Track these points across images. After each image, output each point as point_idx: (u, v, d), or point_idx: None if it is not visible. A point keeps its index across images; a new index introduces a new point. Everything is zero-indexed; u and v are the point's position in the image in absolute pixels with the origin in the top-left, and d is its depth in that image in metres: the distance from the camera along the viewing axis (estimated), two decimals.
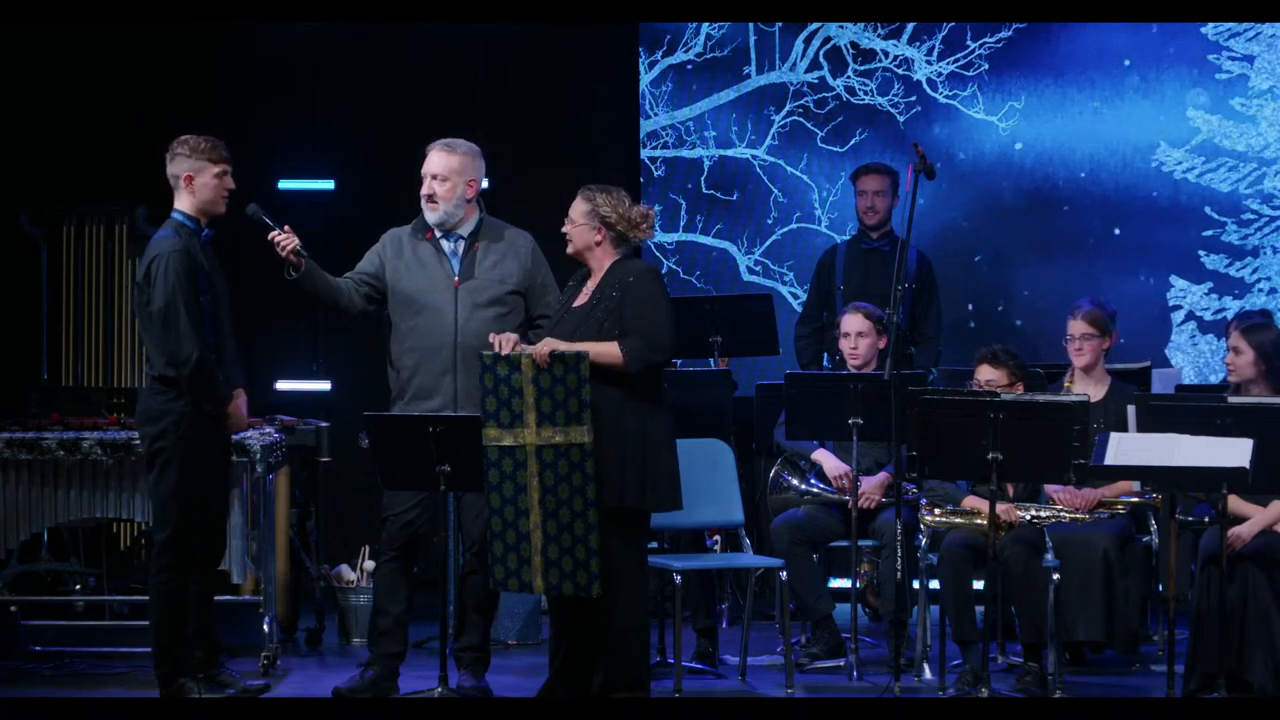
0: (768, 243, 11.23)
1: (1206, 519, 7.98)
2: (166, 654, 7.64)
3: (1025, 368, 8.43)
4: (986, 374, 8.30)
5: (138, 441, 8.20)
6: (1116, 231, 11.02)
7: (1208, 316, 10.94)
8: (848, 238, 10.30)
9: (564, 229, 7.44)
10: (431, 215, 7.87)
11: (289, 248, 7.73)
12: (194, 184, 7.73)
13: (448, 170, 7.86)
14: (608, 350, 7.23)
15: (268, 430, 8.55)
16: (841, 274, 10.01)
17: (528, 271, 7.91)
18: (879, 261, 9.89)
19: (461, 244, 7.91)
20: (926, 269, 9.89)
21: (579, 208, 7.41)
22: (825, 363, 10.00)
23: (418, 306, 7.87)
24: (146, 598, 8.97)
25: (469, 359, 7.69)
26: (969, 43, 11.08)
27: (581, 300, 7.41)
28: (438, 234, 7.90)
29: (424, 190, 7.88)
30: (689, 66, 11.28)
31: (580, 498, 7.15)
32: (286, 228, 7.77)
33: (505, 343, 7.24)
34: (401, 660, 7.92)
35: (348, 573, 9.34)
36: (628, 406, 7.24)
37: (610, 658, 7.28)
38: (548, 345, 7.22)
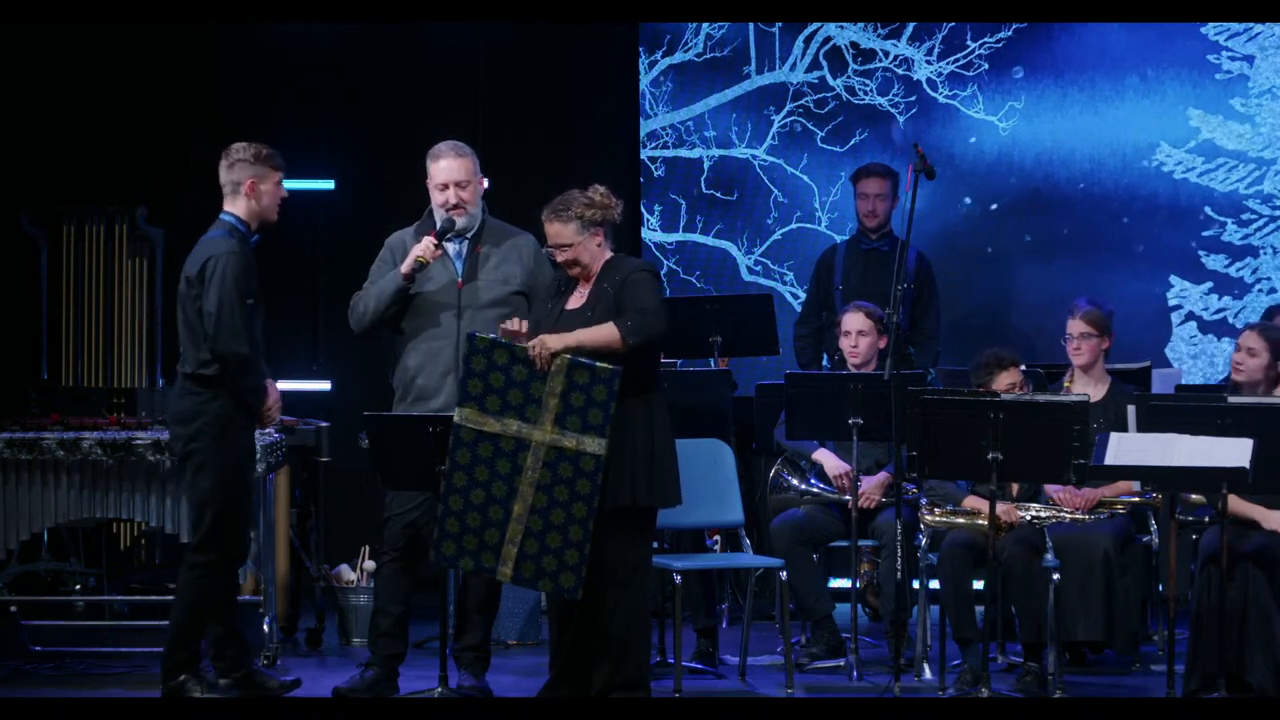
0: (768, 243, 11.23)
1: (1206, 519, 7.97)
2: (179, 648, 7.63)
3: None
4: (1009, 378, 8.27)
5: (139, 441, 8.21)
6: (1116, 232, 11.02)
7: (1208, 316, 10.95)
8: (847, 238, 10.30)
9: (561, 259, 7.34)
10: (462, 221, 7.86)
11: (425, 259, 7.73)
12: (256, 190, 7.73)
13: (467, 174, 7.87)
14: (603, 333, 7.17)
15: (268, 430, 8.55)
16: (840, 274, 10.01)
17: (530, 272, 7.91)
18: (878, 262, 9.89)
19: (465, 245, 7.92)
20: (925, 269, 9.89)
21: (566, 230, 7.31)
22: (825, 363, 10.00)
23: (421, 308, 7.87)
24: (146, 598, 9.00)
25: None
26: (969, 43, 11.08)
27: (578, 303, 7.38)
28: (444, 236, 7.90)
29: (446, 198, 7.84)
30: (689, 67, 11.28)
31: (583, 505, 7.11)
32: (440, 252, 7.80)
33: (523, 334, 7.20)
34: (401, 661, 7.91)
35: (348, 573, 9.34)
36: (633, 404, 7.22)
37: (615, 656, 7.27)
38: (545, 346, 7.18)
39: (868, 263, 9.97)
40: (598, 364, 7.10)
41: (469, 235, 7.92)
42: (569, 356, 7.11)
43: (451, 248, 7.91)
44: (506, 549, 7.18)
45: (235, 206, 7.73)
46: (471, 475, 7.19)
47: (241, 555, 7.83)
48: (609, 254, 7.40)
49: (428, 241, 7.77)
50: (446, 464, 7.21)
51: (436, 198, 7.89)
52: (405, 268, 7.78)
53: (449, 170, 7.87)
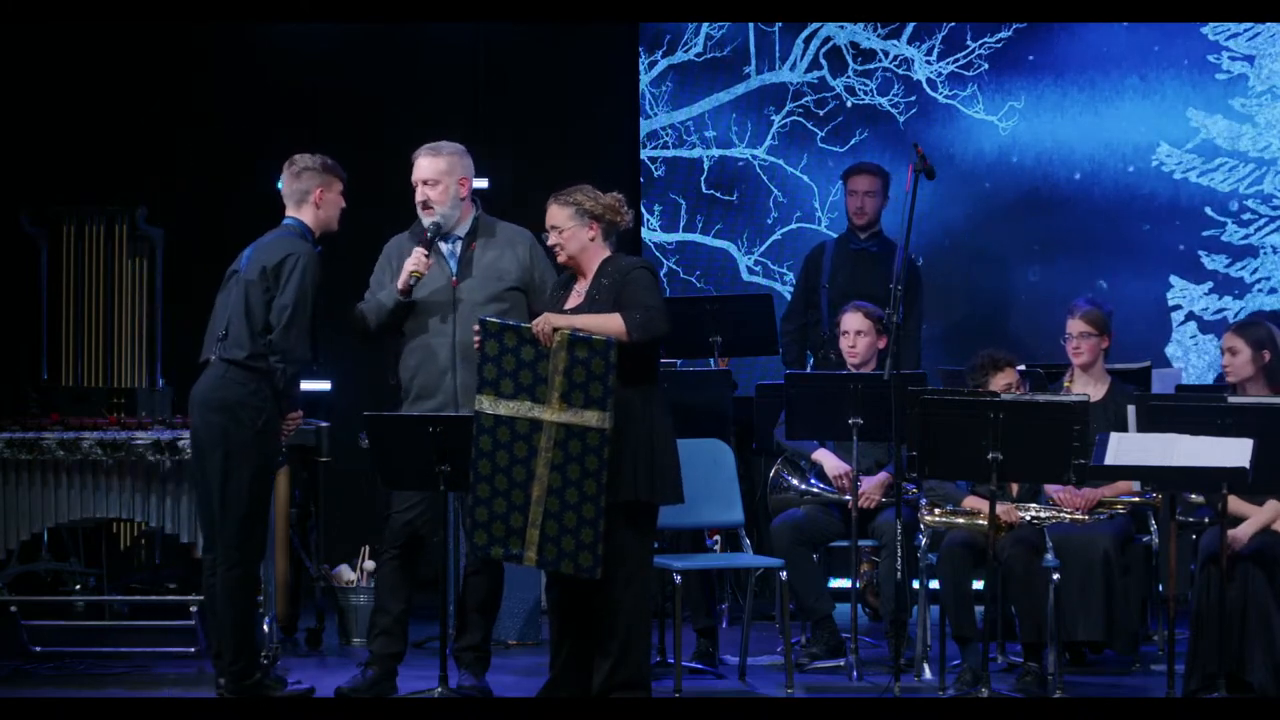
0: (768, 243, 11.23)
1: (1206, 519, 7.98)
2: (241, 652, 7.61)
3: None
4: (1006, 379, 8.29)
5: (138, 441, 8.20)
6: (1116, 231, 11.02)
7: (1208, 316, 10.95)
8: (835, 236, 10.30)
9: (551, 241, 7.41)
10: (429, 220, 7.88)
11: (419, 272, 7.73)
12: (324, 199, 7.75)
13: (437, 173, 7.88)
14: (609, 322, 7.19)
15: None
16: (828, 273, 10.01)
17: (526, 267, 7.91)
18: (867, 262, 9.90)
19: (459, 244, 7.92)
20: (913, 272, 9.86)
21: (561, 214, 7.37)
22: (809, 360, 10.01)
23: (418, 309, 7.88)
24: (146, 598, 8.97)
25: (469, 356, 7.70)
26: (969, 43, 11.08)
27: (575, 301, 7.39)
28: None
29: (418, 197, 7.89)
30: (689, 67, 11.28)
31: (593, 481, 7.14)
32: (431, 260, 7.79)
33: (545, 333, 7.22)
34: (400, 660, 7.91)
35: (347, 573, 9.34)
36: (633, 399, 7.23)
37: (615, 656, 7.27)
38: (548, 321, 7.21)
39: (855, 263, 9.97)
40: (594, 336, 7.14)
41: (461, 234, 7.92)
42: (568, 332, 7.14)
43: (445, 246, 7.92)
44: (530, 533, 7.21)
45: (302, 214, 7.76)
46: (494, 461, 7.23)
47: (263, 552, 7.84)
48: (606, 253, 7.41)
49: (418, 253, 7.77)
50: (472, 452, 7.25)
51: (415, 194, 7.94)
52: (401, 283, 7.79)
53: (420, 168, 7.91)
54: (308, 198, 7.74)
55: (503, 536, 7.25)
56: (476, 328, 7.33)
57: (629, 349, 7.18)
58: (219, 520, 7.60)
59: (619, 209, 7.41)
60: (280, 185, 7.88)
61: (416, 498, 7.83)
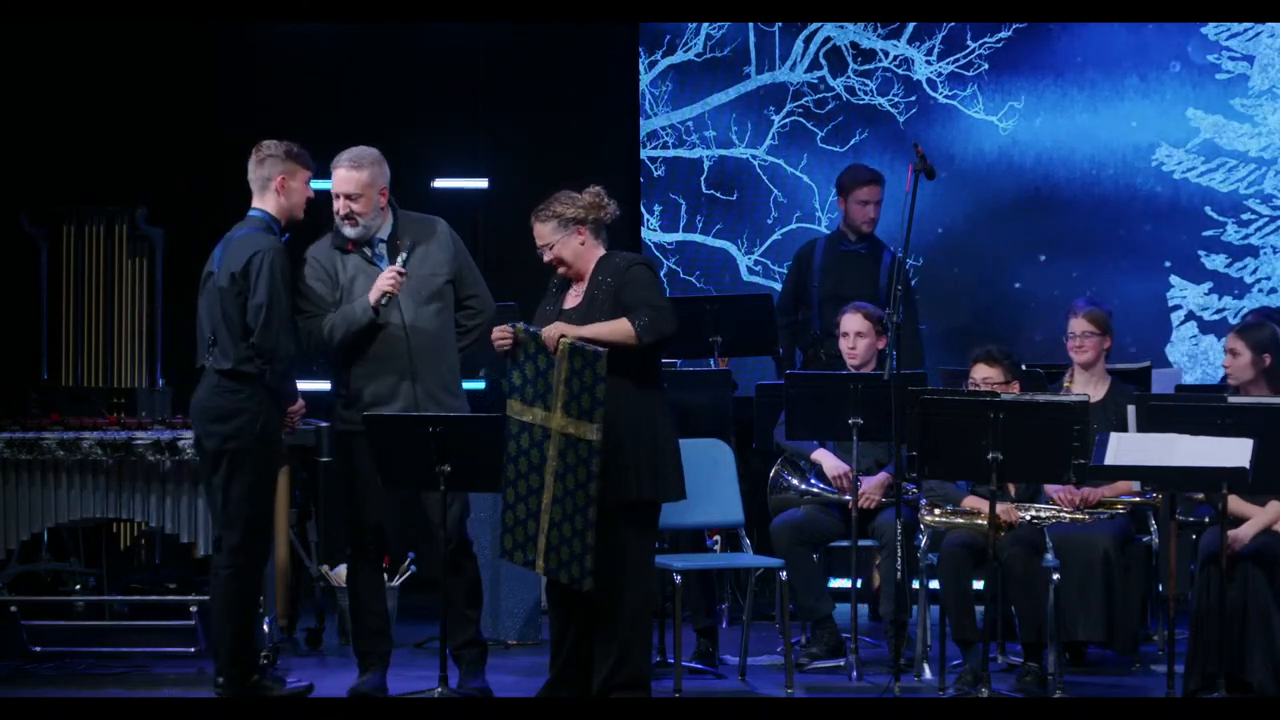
0: (768, 243, 11.23)
1: (1206, 519, 7.98)
2: (239, 655, 7.62)
3: (1018, 366, 8.46)
4: (983, 372, 8.31)
5: (138, 441, 8.20)
6: (1116, 231, 11.02)
7: (1208, 316, 10.95)
8: (827, 235, 10.29)
9: (546, 258, 7.37)
10: (352, 231, 7.79)
11: (393, 292, 7.70)
12: (286, 187, 7.69)
13: (359, 187, 7.78)
14: (618, 327, 7.18)
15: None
16: (818, 274, 10.00)
17: (452, 256, 7.87)
18: (855, 263, 9.91)
19: (383, 247, 7.87)
20: (900, 273, 9.83)
21: (545, 229, 7.34)
22: (798, 358, 10.00)
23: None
24: (146, 598, 8.95)
25: (424, 362, 7.72)
26: (969, 43, 11.08)
27: (574, 302, 7.38)
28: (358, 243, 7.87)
29: (339, 210, 7.78)
30: (689, 67, 11.28)
31: (582, 493, 7.14)
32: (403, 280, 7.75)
33: (551, 340, 7.22)
34: (390, 658, 7.94)
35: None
36: (634, 399, 7.23)
37: (615, 656, 7.27)
38: (557, 330, 7.21)
39: (845, 264, 9.96)
40: (588, 347, 7.12)
41: (384, 237, 7.86)
42: (569, 341, 7.14)
43: (371, 252, 7.85)
44: (541, 540, 7.24)
45: (265, 203, 7.71)
46: (518, 467, 7.29)
47: (267, 554, 7.84)
48: (600, 251, 7.40)
49: (393, 273, 7.69)
50: (504, 456, 7.31)
51: (334, 204, 7.88)
52: (373, 299, 7.72)
53: (339, 182, 7.80)
54: (269, 185, 7.69)
55: (522, 542, 7.31)
56: (509, 330, 7.35)
57: (636, 351, 7.17)
58: (223, 527, 7.62)
59: (600, 204, 7.38)
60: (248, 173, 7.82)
61: (382, 504, 7.81)
